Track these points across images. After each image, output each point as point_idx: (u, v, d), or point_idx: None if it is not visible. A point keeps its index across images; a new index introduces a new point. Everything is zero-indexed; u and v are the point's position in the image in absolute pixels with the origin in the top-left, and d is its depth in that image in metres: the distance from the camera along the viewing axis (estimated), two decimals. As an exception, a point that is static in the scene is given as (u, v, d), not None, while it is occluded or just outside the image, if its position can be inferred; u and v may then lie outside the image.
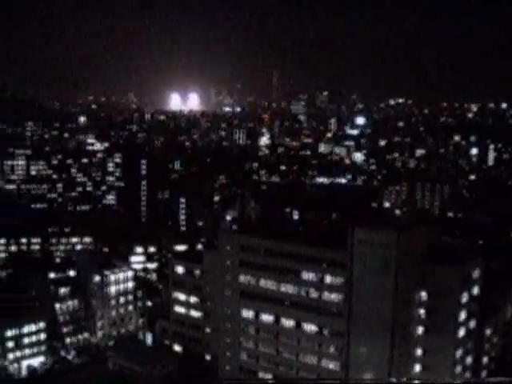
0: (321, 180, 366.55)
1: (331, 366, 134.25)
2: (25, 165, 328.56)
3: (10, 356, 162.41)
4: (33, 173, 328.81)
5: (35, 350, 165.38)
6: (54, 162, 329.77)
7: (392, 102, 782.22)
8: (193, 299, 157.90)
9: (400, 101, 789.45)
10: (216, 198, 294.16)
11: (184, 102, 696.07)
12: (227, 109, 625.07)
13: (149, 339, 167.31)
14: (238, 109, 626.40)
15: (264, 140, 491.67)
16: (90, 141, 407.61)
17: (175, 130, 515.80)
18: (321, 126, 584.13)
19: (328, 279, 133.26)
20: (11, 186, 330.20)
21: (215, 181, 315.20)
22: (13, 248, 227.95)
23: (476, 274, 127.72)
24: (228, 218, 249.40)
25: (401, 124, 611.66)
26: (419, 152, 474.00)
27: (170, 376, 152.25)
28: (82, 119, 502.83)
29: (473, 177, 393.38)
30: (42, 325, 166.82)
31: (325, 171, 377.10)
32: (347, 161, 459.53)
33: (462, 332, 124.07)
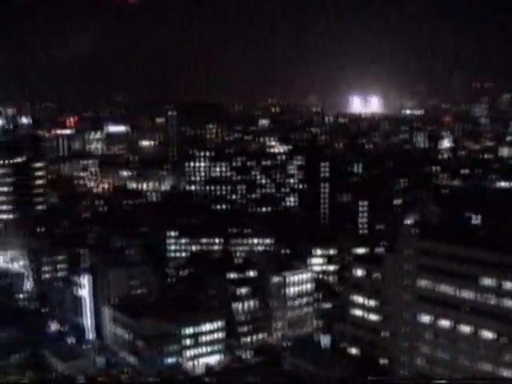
0: (503, 184, 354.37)
1: (508, 373, 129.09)
2: (207, 166, 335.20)
3: (187, 353, 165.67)
4: (214, 174, 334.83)
5: (212, 348, 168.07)
6: (236, 164, 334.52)
7: None
8: (371, 302, 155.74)
9: None
10: (396, 202, 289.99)
11: (365, 104, 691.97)
12: (408, 111, 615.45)
13: (325, 341, 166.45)
14: (419, 111, 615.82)
15: (444, 143, 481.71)
16: (271, 143, 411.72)
17: (356, 132, 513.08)
18: (502, 128, 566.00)
19: (508, 285, 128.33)
20: (193, 187, 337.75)
21: (395, 184, 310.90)
22: (194, 248, 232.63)
23: None
24: (408, 221, 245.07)
25: None
26: None
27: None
28: (264, 122, 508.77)
29: None
30: (220, 324, 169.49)
31: (507, 175, 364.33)
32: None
33: None
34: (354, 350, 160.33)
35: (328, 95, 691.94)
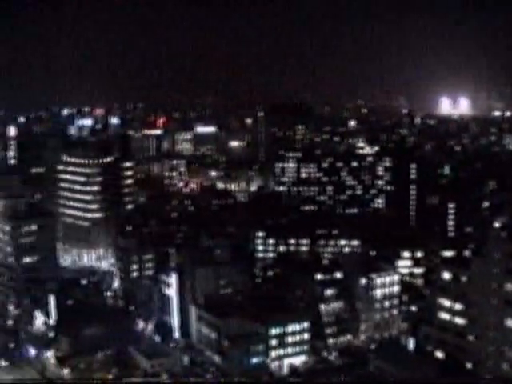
0: None
1: None
2: (295, 167, 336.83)
3: (273, 354, 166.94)
4: (303, 175, 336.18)
5: (298, 349, 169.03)
6: (324, 165, 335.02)
7: None
8: (457, 306, 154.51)
9: None
10: (485, 204, 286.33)
11: (454, 106, 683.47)
12: (497, 113, 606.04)
13: (411, 344, 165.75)
14: (508, 113, 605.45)
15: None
16: (359, 144, 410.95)
17: (445, 134, 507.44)
18: None
19: None
20: (282, 188, 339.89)
21: (484, 186, 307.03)
22: (281, 248, 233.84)
23: None
24: (496, 224, 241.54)
25: None
26: None
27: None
28: (352, 123, 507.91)
29: None
30: (306, 325, 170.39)
31: None
32: None
33: None
34: (439, 354, 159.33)
35: (417, 96, 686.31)
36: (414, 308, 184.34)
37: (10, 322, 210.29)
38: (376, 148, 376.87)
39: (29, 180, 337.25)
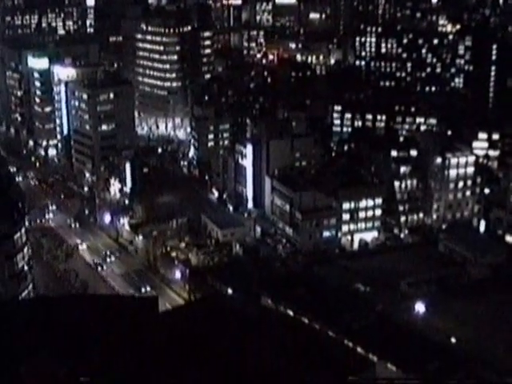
0: None
1: None
2: (375, 42, 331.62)
3: (345, 228, 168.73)
4: (382, 50, 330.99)
5: (369, 224, 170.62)
6: (405, 41, 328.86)
7: None
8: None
9: None
10: None
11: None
12: None
13: (482, 227, 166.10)
14: None
15: None
16: (441, 22, 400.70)
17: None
18: None
19: None
20: (361, 62, 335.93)
21: None
22: (358, 123, 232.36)
23: None
24: None
25: None
26: None
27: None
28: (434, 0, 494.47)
29: None
30: (378, 201, 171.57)
31: None
32: None
33: None
34: (509, 238, 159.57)
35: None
36: (487, 191, 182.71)
37: (86, 189, 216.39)
38: (458, 26, 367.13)
39: (107, 48, 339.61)
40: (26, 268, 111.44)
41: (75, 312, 59.49)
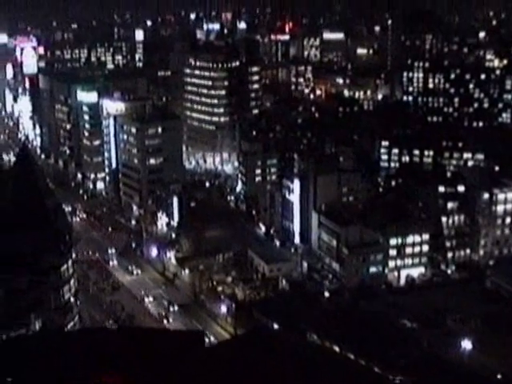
0: None
1: None
2: (422, 77, 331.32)
3: (391, 264, 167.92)
4: (430, 86, 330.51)
5: (416, 260, 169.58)
6: (452, 76, 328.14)
7: None
8: None
9: None
10: None
11: None
12: None
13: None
14: None
15: None
16: (488, 57, 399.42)
17: None
18: None
19: None
20: (408, 98, 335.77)
21: None
22: (405, 158, 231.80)
23: None
24: None
25: None
26: None
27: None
28: (482, 35, 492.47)
29: None
30: (426, 236, 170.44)
31: None
32: None
33: None
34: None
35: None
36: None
37: (133, 223, 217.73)
38: (505, 61, 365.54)
39: (155, 83, 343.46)
40: (72, 300, 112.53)
41: (122, 345, 60.07)
